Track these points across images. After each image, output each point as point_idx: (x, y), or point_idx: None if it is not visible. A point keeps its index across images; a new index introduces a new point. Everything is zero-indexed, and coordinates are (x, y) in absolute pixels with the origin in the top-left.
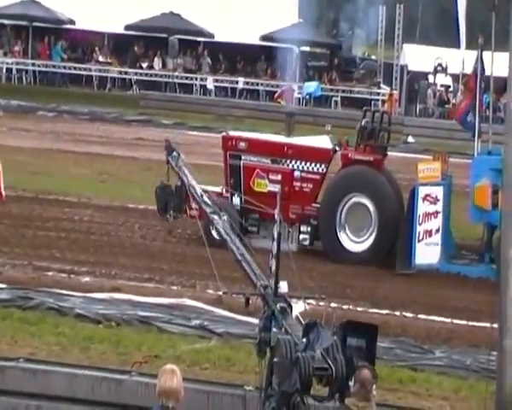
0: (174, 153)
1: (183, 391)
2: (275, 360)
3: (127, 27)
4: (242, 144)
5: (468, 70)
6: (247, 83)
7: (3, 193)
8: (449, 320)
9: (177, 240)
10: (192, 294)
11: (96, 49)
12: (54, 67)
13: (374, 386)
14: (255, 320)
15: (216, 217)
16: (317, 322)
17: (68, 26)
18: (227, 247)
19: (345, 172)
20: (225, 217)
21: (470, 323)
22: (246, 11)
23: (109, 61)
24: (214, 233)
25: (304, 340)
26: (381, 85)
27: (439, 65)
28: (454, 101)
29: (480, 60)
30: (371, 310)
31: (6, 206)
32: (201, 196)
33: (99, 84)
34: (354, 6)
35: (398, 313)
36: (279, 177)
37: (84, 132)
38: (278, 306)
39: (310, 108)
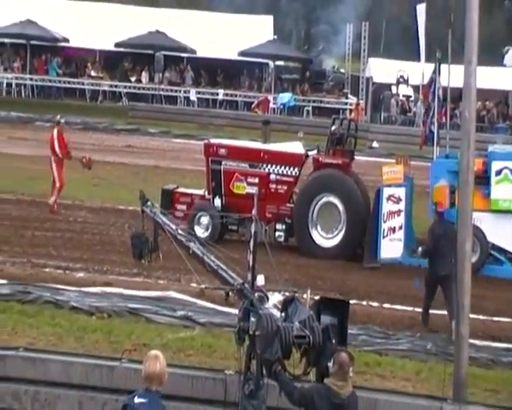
0: (148, 202)
1: (167, 375)
2: (257, 333)
3: (117, 45)
4: (223, 151)
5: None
6: (227, 94)
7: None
8: (411, 309)
9: (163, 238)
10: (177, 287)
11: (89, 64)
12: (50, 81)
13: (351, 368)
14: (235, 311)
15: (192, 243)
16: (294, 297)
17: (63, 44)
18: (205, 264)
19: (316, 175)
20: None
21: (430, 311)
22: (225, 29)
23: (101, 75)
24: (197, 232)
25: (283, 314)
26: (349, 96)
27: (401, 77)
28: (414, 109)
29: (437, 72)
30: None
31: (6, 208)
32: (177, 229)
33: (91, 97)
34: (324, 24)
35: (364, 303)
36: (256, 180)
37: (77, 141)
38: (256, 295)
39: (284, 116)
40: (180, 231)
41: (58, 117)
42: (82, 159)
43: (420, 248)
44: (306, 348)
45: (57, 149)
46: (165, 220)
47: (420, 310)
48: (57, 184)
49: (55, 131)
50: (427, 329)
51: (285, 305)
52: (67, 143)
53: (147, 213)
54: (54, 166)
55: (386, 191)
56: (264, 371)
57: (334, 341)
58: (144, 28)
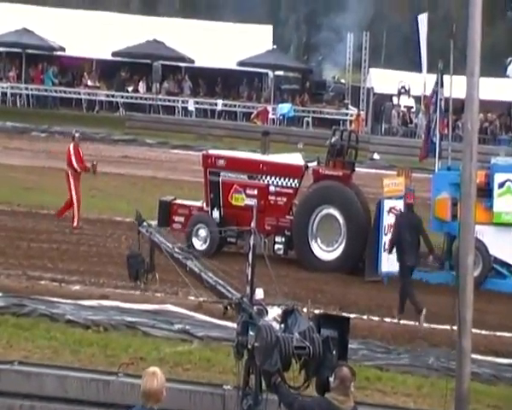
0: (144, 223)
1: (165, 392)
2: (256, 344)
3: (114, 54)
4: (221, 162)
5: (429, 92)
6: (226, 105)
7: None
8: (412, 323)
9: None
10: (175, 300)
11: (85, 74)
12: (46, 90)
13: (352, 383)
14: (233, 325)
15: (188, 262)
16: (294, 308)
17: (59, 53)
18: (202, 280)
19: (316, 187)
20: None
21: (432, 325)
22: (224, 38)
23: (97, 85)
24: (195, 244)
25: (282, 325)
26: (349, 106)
27: (403, 87)
28: (416, 120)
29: (439, 83)
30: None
31: (1, 219)
32: (173, 248)
33: (88, 107)
34: (324, 33)
35: (365, 317)
36: (255, 192)
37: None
38: (255, 308)
39: (283, 127)
40: (177, 250)
41: (74, 131)
42: (92, 165)
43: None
44: (306, 359)
45: (75, 163)
46: (162, 239)
47: (424, 325)
48: (74, 199)
49: (72, 146)
50: (428, 343)
51: (285, 316)
52: (83, 156)
53: (143, 233)
54: (71, 180)
55: (387, 204)
56: (264, 384)
57: (334, 352)
58: (142, 37)
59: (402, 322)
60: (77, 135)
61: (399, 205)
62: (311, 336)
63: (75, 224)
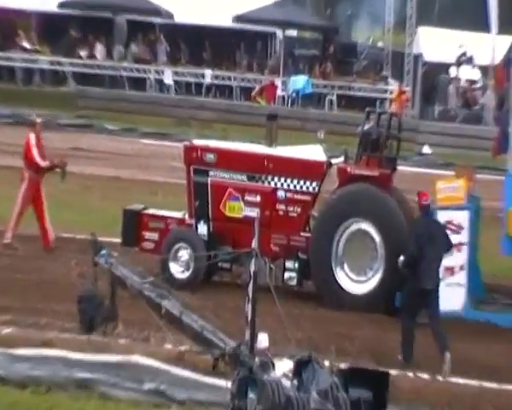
0: (102, 251)
1: None
2: (259, 408)
3: (61, 5)
4: (210, 156)
5: (500, 60)
6: (216, 77)
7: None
8: (475, 382)
9: None
10: (145, 349)
11: (21, 32)
12: None
13: None
14: (227, 383)
15: (163, 301)
16: (311, 358)
17: None
18: (183, 325)
19: (343, 192)
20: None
21: (503, 386)
22: None
23: (37, 48)
24: (174, 271)
25: (295, 381)
26: (389, 80)
27: (464, 54)
28: (482, 100)
29: None
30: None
31: None
32: (143, 283)
33: (24, 79)
34: None
35: (410, 373)
36: (258, 198)
37: (5, 141)
38: (257, 360)
39: (297, 109)
40: (147, 286)
41: (34, 116)
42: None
43: (401, 258)
44: None
45: (37, 159)
46: (127, 272)
47: (491, 385)
48: (16, 208)
49: (32, 137)
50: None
51: (298, 369)
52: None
53: (101, 265)
54: (25, 183)
55: (442, 216)
56: None
57: None
58: None
59: (459, 381)
60: (38, 121)
61: (458, 218)
62: (336, 397)
63: (8, 240)
